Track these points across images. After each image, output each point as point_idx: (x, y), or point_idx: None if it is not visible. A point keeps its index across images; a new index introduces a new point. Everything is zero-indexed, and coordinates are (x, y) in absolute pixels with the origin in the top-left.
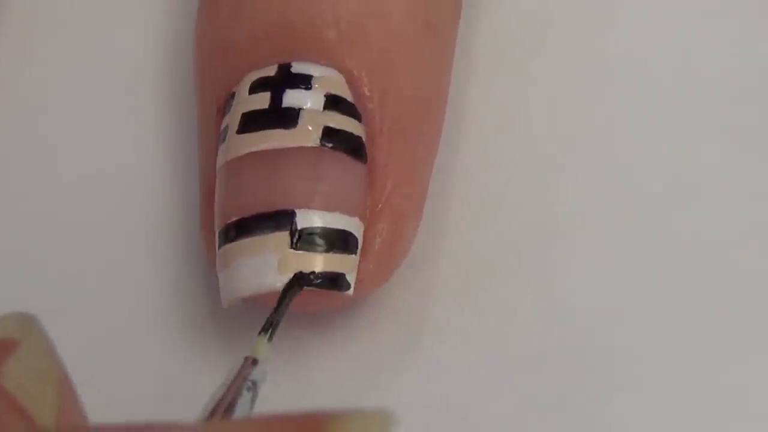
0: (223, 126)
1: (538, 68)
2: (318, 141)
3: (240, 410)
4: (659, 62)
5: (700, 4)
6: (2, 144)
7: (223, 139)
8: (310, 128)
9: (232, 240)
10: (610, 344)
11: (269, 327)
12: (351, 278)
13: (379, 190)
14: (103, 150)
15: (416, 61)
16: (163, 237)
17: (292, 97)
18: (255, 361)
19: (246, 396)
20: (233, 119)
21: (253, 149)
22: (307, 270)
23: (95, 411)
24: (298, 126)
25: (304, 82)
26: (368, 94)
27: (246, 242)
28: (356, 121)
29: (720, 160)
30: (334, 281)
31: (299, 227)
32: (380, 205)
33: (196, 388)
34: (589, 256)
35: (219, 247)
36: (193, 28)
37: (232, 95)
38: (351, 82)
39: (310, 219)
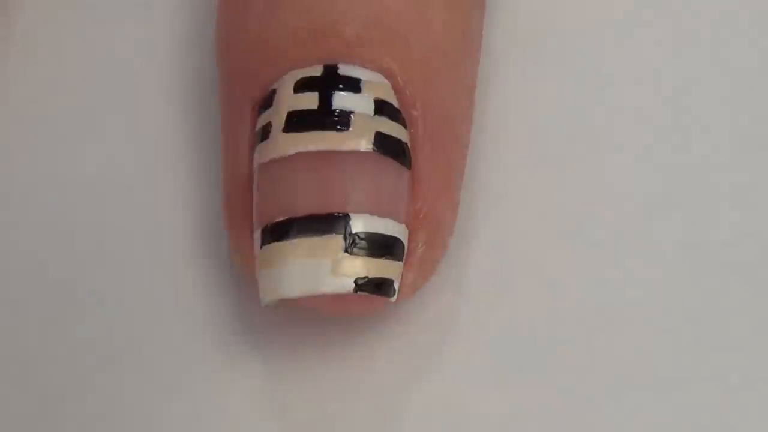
0: (260, 124)
1: (538, 68)
2: (371, 146)
3: None
4: (659, 62)
5: (700, 4)
6: (8, 142)
7: (264, 137)
8: (363, 132)
9: (279, 240)
10: (609, 344)
11: None
12: (396, 285)
13: (422, 197)
14: (106, 150)
15: (455, 68)
16: (167, 236)
17: (342, 100)
18: None
19: None
20: (277, 117)
21: (303, 149)
22: (360, 275)
23: (99, 411)
24: (351, 129)
25: (352, 85)
26: (412, 100)
27: (297, 243)
28: (403, 128)
29: (720, 159)
30: (380, 287)
31: (353, 231)
32: (423, 213)
33: (200, 387)
34: (589, 256)
35: (262, 246)
36: (196, 25)
37: (269, 94)
38: (395, 86)
39: (364, 224)
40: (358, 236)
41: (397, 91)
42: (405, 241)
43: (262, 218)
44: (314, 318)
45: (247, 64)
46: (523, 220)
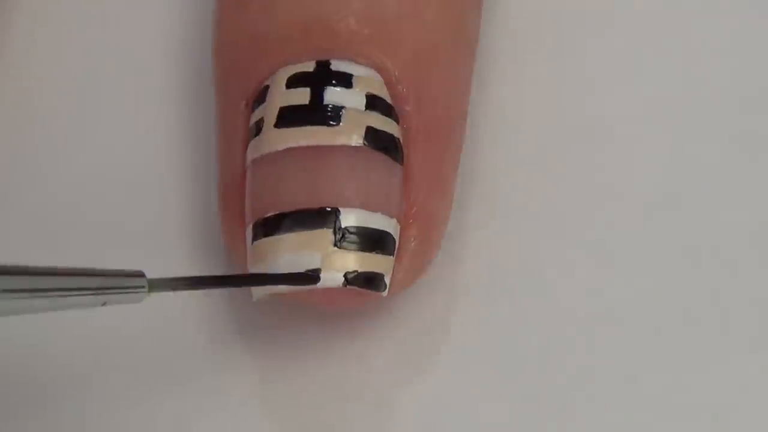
0: (253, 120)
1: (538, 68)
2: (361, 141)
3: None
4: (659, 62)
5: (700, 4)
6: (12, 142)
7: (256, 133)
8: (353, 127)
9: (270, 234)
10: (606, 345)
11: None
12: (387, 279)
13: (414, 192)
14: (105, 148)
15: (449, 66)
16: (166, 235)
17: (333, 95)
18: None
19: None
20: (269, 113)
21: (294, 144)
22: (349, 269)
23: (99, 411)
24: (342, 124)
25: (344, 80)
26: (405, 96)
27: (287, 237)
28: (395, 123)
29: (719, 159)
30: (370, 281)
31: (343, 225)
32: (415, 208)
33: (198, 387)
34: (589, 256)
35: (253, 241)
36: (195, 25)
37: (262, 90)
38: (388, 82)
39: (354, 218)
40: (348, 230)
41: (389, 86)
42: (396, 236)
43: (254, 213)
44: (312, 318)
45: (242, 60)
46: (519, 219)
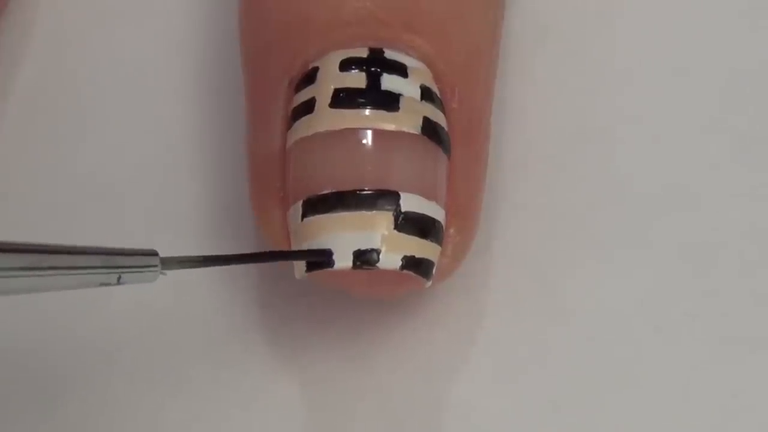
0: (300, 99)
1: (538, 68)
2: (419, 130)
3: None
4: (659, 63)
5: (699, 4)
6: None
7: (306, 111)
8: (412, 116)
9: (324, 212)
10: (610, 344)
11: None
12: (435, 268)
13: (457, 186)
14: (105, 147)
15: (489, 67)
16: (165, 234)
17: (390, 82)
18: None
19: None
20: (322, 93)
21: (352, 126)
22: (407, 253)
23: (100, 410)
24: (401, 111)
25: (399, 69)
26: (451, 92)
27: (344, 216)
28: (444, 117)
29: (719, 160)
30: (423, 267)
31: (403, 210)
32: (458, 202)
33: (200, 386)
34: (590, 256)
35: (303, 218)
36: (196, 23)
37: (309, 70)
38: (436, 78)
39: (413, 204)
40: (407, 215)
41: (437, 82)
42: (444, 227)
43: (303, 191)
44: (313, 317)
45: (285, 39)
46: (521, 219)
